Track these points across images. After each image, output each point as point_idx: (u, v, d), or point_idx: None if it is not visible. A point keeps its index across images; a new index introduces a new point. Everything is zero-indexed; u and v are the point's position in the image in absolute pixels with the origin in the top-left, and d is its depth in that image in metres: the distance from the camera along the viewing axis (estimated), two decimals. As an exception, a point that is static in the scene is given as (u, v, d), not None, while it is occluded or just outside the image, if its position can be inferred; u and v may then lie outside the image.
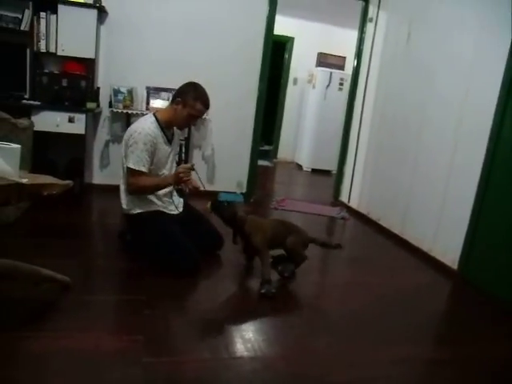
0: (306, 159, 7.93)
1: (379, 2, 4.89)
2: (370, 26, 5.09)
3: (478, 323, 2.71)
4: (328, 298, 2.91)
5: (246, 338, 2.19)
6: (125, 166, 2.76)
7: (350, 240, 4.35)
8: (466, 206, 3.23)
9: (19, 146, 1.92)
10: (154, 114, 2.88)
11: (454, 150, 3.42)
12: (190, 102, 2.77)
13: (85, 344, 1.96)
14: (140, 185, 2.75)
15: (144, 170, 2.73)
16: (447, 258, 3.41)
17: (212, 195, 4.63)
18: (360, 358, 2.12)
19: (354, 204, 5.09)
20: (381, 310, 2.67)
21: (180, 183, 2.76)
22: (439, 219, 3.52)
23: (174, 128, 3.00)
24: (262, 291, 2.58)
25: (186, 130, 4.62)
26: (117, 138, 4.56)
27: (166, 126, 2.88)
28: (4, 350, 1.86)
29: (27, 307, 2.24)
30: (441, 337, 2.54)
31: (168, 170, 2.96)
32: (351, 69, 5.57)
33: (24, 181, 1.82)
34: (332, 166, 7.03)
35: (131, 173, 2.73)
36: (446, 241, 3.45)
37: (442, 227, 3.50)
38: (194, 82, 2.89)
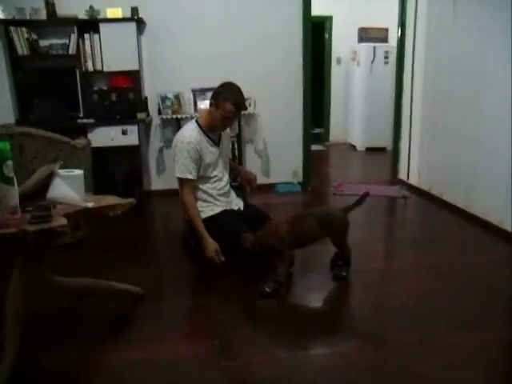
0: (358, 138, 7.75)
1: (419, -34, 4.66)
2: (411, -6, 4.86)
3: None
4: (398, 284, 2.83)
5: (320, 334, 2.20)
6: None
7: (413, 219, 4.24)
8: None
9: (81, 171, 2.01)
10: (196, 120, 2.92)
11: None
12: (222, 103, 2.75)
13: (162, 353, 2.05)
14: (188, 210, 2.79)
15: (191, 177, 2.79)
16: (520, 229, 3.23)
17: (270, 188, 4.74)
18: (436, 346, 2.07)
19: (413, 181, 4.92)
20: (453, 293, 2.58)
21: (206, 257, 2.71)
22: (508, 187, 3.32)
23: None
24: (267, 290, 2.51)
25: (236, 126, 4.65)
26: (169, 144, 4.62)
27: (209, 129, 2.90)
28: (86, 363, 1.98)
29: (105, 320, 2.37)
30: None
31: (221, 171, 2.99)
32: (395, 40, 5.37)
33: (90, 205, 1.91)
34: (386, 143, 6.84)
35: (180, 182, 2.81)
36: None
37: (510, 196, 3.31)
38: (228, 82, 2.84)
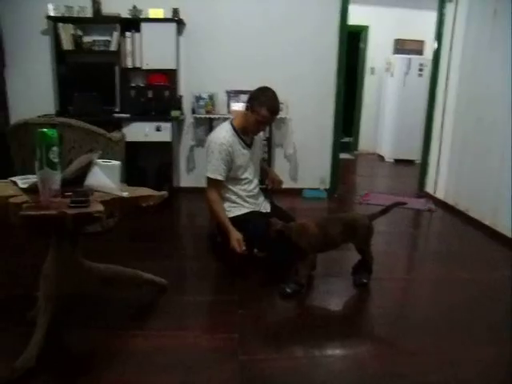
0: (387, 150, 7.73)
1: (459, -20, 4.65)
2: (449, 6, 4.85)
3: None
4: (418, 294, 2.85)
5: (337, 336, 2.24)
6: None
7: (437, 233, 4.22)
8: None
9: (119, 162, 2.10)
10: (231, 122, 2.97)
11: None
12: (257, 107, 2.77)
13: (184, 342, 2.13)
14: (214, 208, 2.84)
15: (220, 178, 2.83)
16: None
17: (296, 193, 4.79)
18: (454, 358, 2.08)
19: (440, 195, 4.90)
20: (474, 308, 2.58)
21: (231, 248, 2.73)
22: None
23: None
24: (288, 291, 2.55)
25: (268, 130, 4.72)
26: (201, 143, 4.77)
27: (242, 132, 2.94)
28: (109, 346, 2.07)
29: (130, 307, 2.46)
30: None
31: (252, 173, 3.04)
32: (430, 53, 5.36)
33: (125, 194, 2.00)
34: (415, 156, 6.81)
35: (208, 181, 2.86)
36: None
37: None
38: (265, 87, 2.86)
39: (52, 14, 4.34)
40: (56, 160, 1.74)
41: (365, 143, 8.25)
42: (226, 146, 2.83)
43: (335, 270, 3.03)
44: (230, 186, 2.96)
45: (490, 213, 3.87)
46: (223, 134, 2.88)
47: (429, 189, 5.18)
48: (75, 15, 4.36)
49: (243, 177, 2.98)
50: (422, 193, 5.25)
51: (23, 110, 4.30)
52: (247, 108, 2.86)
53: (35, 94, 4.58)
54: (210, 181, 2.85)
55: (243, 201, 2.99)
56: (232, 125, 2.94)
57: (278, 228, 2.56)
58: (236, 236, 2.71)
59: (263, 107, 2.75)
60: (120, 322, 2.28)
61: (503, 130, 3.71)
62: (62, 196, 1.82)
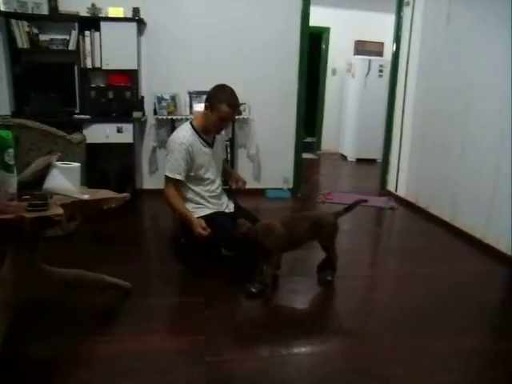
0: (349, 149, 7.87)
1: (415, -15, 4.79)
2: (407, 10, 4.98)
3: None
4: (382, 291, 2.92)
5: (303, 334, 2.25)
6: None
7: (399, 230, 4.33)
8: (520, 189, 3.14)
9: (79, 164, 2.05)
10: (191, 122, 2.97)
11: (502, 133, 3.31)
12: (217, 105, 2.79)
13: (149, 345, 2.09)
14: (171, 201, 2.83)
15: (179, 177, 2.82)
16: (502, 245, 3.32)
17: (260, 193, 4.81)
18: (418, 351, 2.13)
19: (401, 192, 5.03)
20: (436, 302, 2.65)
21: (195, 234, 2.72)
22: (491, 204, 3.43)
23: None
24: (253, 290, 2.56)
25: (230, 130, 4.72)
26: (163, 144, 4.71)
27: (204, 131, 2.94)
28: (73, 353, 2.02)
29: (94, 312, 2.41)
30: (499, 328, 2.49)
31: (214, 173, 3.03)
32: (390, 54, 5.49)
33: (85, 197, 1.95)
34: (377, 155, 6.95)
35: (167, 180, 2.85)
36: (500, 226, 3.34)
37: (494, 212, 3.41)
38: (222, 85, 2.87)
39: (2, 8, 4.14)
40: (11, 162, 1.69)
41: (327, 143, 8.36)
42: (186, 145, 2.82)
43: (300, 269, 3.05)
44: (193, 187, 2.94)
45: (448, 209, 4.00)
46: (183, 133, 2.88)
47: (390, 187, 5.30)
48: (29, 11, 4.20)
49: (205, 176, 2.97)
50: (383, 191, 5.36)
51: (-24, 111, 4.13)
52: (206, 107, 2.86)
53: (-12, 94, 4.41)
54: (169, 180, 2.84)
55: (206, 201, 2.98)
56: (192, 125, 2.94)
57: (243, 231, 2.56)
58: (197, 222, 2.71)
59: (223, 104, 2.77)
60: (83, 328, 2.23)
61: (461, 128, 3.85)
62: (19, 199, 1.77)
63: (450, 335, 2.29)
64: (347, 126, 7.93)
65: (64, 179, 1.97)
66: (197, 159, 2.89)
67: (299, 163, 5.15)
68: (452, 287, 2.86)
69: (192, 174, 2.90)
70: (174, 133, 2.99)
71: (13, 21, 4.17)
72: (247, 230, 2.56)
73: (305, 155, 5.60)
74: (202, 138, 2.93)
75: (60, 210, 1.74)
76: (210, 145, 2.99)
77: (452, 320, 2.44)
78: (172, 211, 2.97)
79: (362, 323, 2.43)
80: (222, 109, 2.78)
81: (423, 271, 3.09)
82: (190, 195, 2.94)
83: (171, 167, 2.82)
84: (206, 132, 2.96)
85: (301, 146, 5.14)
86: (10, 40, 4.22)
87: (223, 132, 3.17)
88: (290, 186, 5.11)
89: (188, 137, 2.86)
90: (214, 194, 3.03)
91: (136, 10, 4.34)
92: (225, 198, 3.17)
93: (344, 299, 2.72)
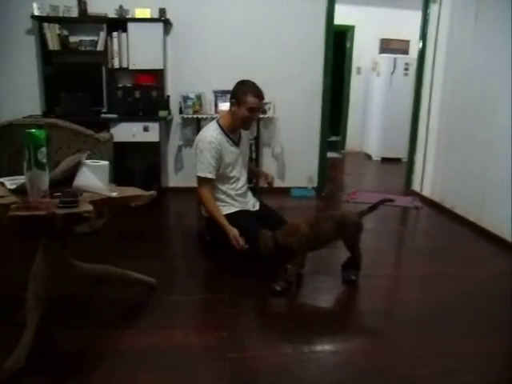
0: (374, 148, 7.80)
1: (443, -19, 4.72)
2: (434, 7, 4.91)
3: None
4: (406, 291, 2.89)
5: (326, 333, 2.27)
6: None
7: (424, 230, 4.28)
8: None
9: (107, 162, 2.11)
10: (217, 121, 3.01)
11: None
12: (243, 98, 2.83)
13: (174, 341, 2.14)
14: (206, 203, 2.87)
15: (210, 176, 2.86)
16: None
17: (284, 192, 4.82)
18: (442, 352, 2.12)
19: (426, 192, 4.96)
20: (461, 303, 2.62)
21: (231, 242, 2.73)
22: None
23: (241, 130, 3.09)
24: (278, 288, 2.57)
25: (255, 129, 4.74)
26: (188, 142, 4.77)
27: (230, 130, 2.97)
28: (99, 346, 2.07)
29: (120, 307, 2.47)
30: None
31: (238, 172, 3.06)
32: (416, 53, 5.42)
33: (114, 194, 2.00)
34: (402, 154, 6.87)
35: (199, 180, 2.88)
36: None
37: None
38: (242, 80, 2.93)
39: (37, 13, 4.30)
40: (44, 160, 1.74)
41: (352, 142, 8.31)
42: (215, 143, 2.85)
43: (324, 268, 3.06)
44: (219, 185, 2.97)
45: (475, 209, 3.93)
46: (210, 132, 2.91)
47: (415, 187, 5.24)
48: (61, 15, 4.33)
49: (231, 175, 3.00)
50: (408, 190, 5.31)
51: (8, 111, 4.24)
52: (233, 104, 2.90)
53: (21, 94, 4.53)
54: (201, 180, 2.87)
55: (232, 199, 3.01)
56: (219, 123, 2.97)
57: (265, 244, 2.58)
58: (233, 233, 2.71)
59: (249, 95, 2.82)
60: (110, 322, 2.29)
61: (488, 128, 3.78)
62: (50, 196, 1.82)
63: (474, 336, 2.26)
64: (372, 125, 7.86)
65: (93, 177, 2.02)
66: (225, 158, 2.92)
67: (324, 162, 5.14)
68: (477, 288, 2.83)
69: (220, 172, 2.93)
70: (201, 132, 3.02)
71: (45, 24, 4.33)
72: (266, 243, 2.58)
73: (329, 154, 5.59)
74: (229, 137, 2.97)
75: (90, 207, 1.79)
76: (237, 143, 3.02)
77: (476, 321, 2.41)
78: (207, 213, 2.96)
79: (385, 323, 2.42)
80: (249, 100, 2.82)
81: (448, 271, 3.06)
82: (216, 194, 2.97)
83: (202, 167, 2.85)
84: (233, 130, 2.99)
85: (325, 145, 5.13)
86: (42, 42, 4.36)
87: (248, 132, 3.20)
88: (315, 184, 5.11)
89: (216, 135, 2.89)
90: (239, 192, 3.05)
91: (162, 11, 4.41)
92: (250, 196, 3.19)
93: (368, 299, 2.71)
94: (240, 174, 3.07)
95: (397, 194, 5.04)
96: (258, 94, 2.86)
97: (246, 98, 2.82)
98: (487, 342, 2.22)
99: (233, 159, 2.98)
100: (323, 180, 5.17)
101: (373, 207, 2.83)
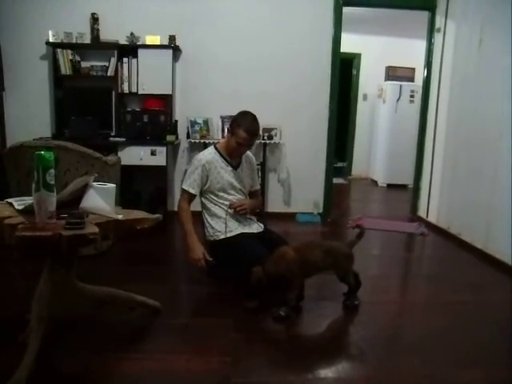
0: (380, 174, 7.82)
1: (446, 11, 4.80)
2: (438, 36, 4.99)
3: None
4: (410, 317, 2.86)
5: (329, 359, 2.24)
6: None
7: (430, 256, 4.25)
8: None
9: (114, 185, 2.13)
10: (215, 145, 3.14)
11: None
12: (236, 130, 2.92)
13: (176, 365, 2.12)
14: (181, 213, 3.02)
15: (192, 191, 3.00)
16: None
17: (290, 217, 4.82)
18: (443, 379, 2.09)
19: (432, 219, 4.95)
20: (466, 330, 2.58)
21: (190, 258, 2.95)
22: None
23: (244, 157, 3.15)
24: (282, 314, 2.56)
25: (261, 155, 4.81)
26: (195, 167, 4.80)
27: (226, 154, 3.07)
28: (101, 369, 2.06)
29: (124, 330, 2.45)
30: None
31: (236, 196, 3.08)
32: (421, 80, 5.48)
33: (120, 217, 2.02)
34: (408, 180, 6.87)
35: (182, 192, 3.06)
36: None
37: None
38: (244, 111, 3.01)
39: (52, 40, 4.44)
40: (52, 182, 1.77)
41: (358, 168, 8.33)
42: (204, 162, 2.98)
43: (328, 294, 3.03)
44: (220, 204, 3.04)
45: (481, 236, 3.91)
46: (205, 153, 3.07)
47: (421, 213, 5.23)
48: (74, 41, 4.46)
49: (229, 197, 3.05)
50: (414, 217, 5.29)
51: (20, 133, 4.34)
52: (228, 131, 3.02)
53: (32, 117, 4.64)
54: (184, 192, 3.03)
55: (237, 222, 3.05)
56: (215, 147, 3.10)
57: (258, 280, 2.59)
58: (200, 250, 2.91)
59: (241, 129, 2.89)
60: (112, 345, 2.27)
61: (494, 155, 3.79)
62: (57, 218, 1.84)
63: (480, 365, 2.22)
64: (378, 151, 7.90)
65: (100, 199, 2.04)
66: (216, 176, 3.00)
67: (330, 188, 5.15)
68: (483, 315, 2.79)
69: (210, 188, 3.02)
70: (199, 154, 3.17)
71: (58, 50, 4.45)
72: (258, 279, 2.58)
73: (335, 180, 5.61)
74: (225, 159, 3.06)
75: (96, 229, 1.81)
76: (234, 167, 3.09)
77: (483, 350, 2.37)
78: (207, 239, 3.07)
79: (388, 350, 2.40)
80: (240, 134, 2.90)
81: (453, 298, 3.03)
82: (218, 212, 3.04)
83: (187, 181, 3.02)
84: (230, 155, 3.07)
85: (331, 171, 5.15)
86: (55, 67, 4.48)
87: (254, 159, 3.28)
88: (320, 210, 5.10)
89: (208, 155, 3.03)
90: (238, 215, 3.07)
91: (172, 38, 4.52)
92: (254, 219, 3.20)
93: (372, 325, 2.67)
94: (238, 198, 3.09)
95: (403, 221, 5.04)
96: (251, 130, 2.92)
97: (238, 132, 2.90)
98: (490, 371, 2.17)
99: (228, 180, 3.04)
100: (329, 206, 5.16)
101: (360, 234, 2.85)
